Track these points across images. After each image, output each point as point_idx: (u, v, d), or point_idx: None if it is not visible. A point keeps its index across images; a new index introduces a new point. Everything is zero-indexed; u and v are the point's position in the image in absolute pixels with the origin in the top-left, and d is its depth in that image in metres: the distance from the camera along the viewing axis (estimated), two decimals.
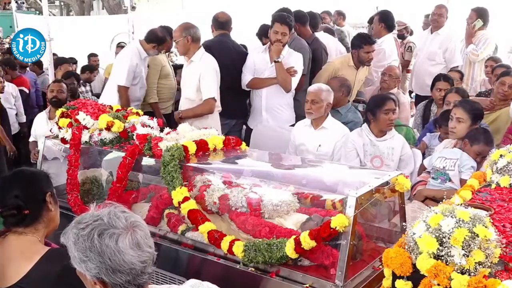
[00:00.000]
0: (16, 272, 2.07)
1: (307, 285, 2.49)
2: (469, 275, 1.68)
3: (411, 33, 8.11)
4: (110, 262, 1.51)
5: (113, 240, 1.52)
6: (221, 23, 5.23)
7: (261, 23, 5.99)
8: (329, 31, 6.65)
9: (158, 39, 5.19)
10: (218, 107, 4.74)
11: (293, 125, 4.81)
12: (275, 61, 4.81)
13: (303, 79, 5.16)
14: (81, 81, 7.23)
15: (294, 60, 4.94)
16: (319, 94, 4.18)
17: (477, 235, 1.70)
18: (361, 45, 5.27)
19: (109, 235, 1.52)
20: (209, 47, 4.77)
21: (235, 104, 5.15)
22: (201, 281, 1.81)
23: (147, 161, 3.39)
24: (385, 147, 4.00)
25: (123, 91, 5.07)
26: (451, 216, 1.76)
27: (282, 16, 4.82)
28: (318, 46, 5.56)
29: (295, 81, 4.91)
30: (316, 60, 5.47)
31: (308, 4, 7.38)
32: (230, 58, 5.01)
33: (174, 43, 5.19)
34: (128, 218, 1.59)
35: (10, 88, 6.37)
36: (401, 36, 7.59)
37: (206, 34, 5.36)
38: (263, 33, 5.76)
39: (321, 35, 6.15)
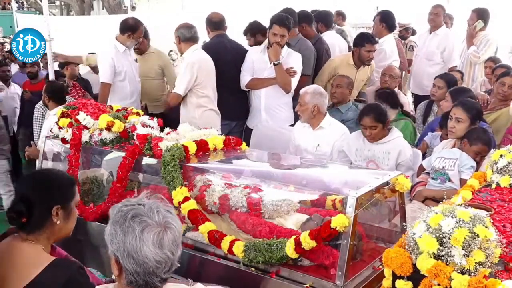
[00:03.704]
0: (19, 280, 2.02)
1: (307, 285, 2.50)
2: (469, 275, 1.68)
3: (413, 33, 8.11)
4: (129, 245, 1.55)
5: (140, 227, 1.57)
6: (216, 23, 5.18)
7: (261, 22, 5.97)
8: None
9: (130, 27, 5.13)
10: (215, 111, 4.73)
11: (292, 125, 4.81)
12: (274, 64, 4.80)
13: (306, 80, 5.16)
14: None
15: (293, 60, 4.94)
16: (303, 97, 4.21)
17: (477, 235, 1.70)
18: (363, 43, 5.30)
19: (140, 221, 1.57)
20: (207, 50, 4.75)
21: (236, 105, 5.13)
22: (206, 284, 1.82)
23: (147, 161, 3.39)
24: (380, 151, 3.99)
25: (102, 87, 5.11)
26: (451, 216, 1.76)
27: (280, 18, 4.80)
28: (320, 46, 5.56)
29: (294, 81, 4.91)
30: (317, 59, 5.46)
31: (308, 4, 7.37)
32: (229, 58, 4.98)
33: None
34: (166, 217, 1.62)
35: (17, 89, 6.47)
36: (402, 37, 7.59)
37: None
38: (251, 31, 5.68)
39: (332, 35, 6.18)
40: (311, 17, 5.76)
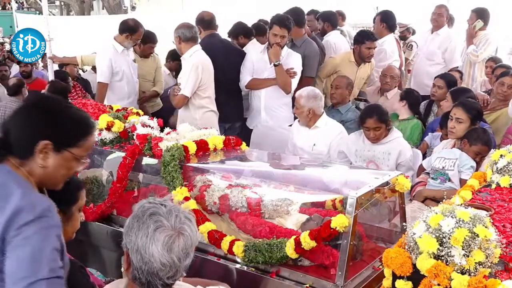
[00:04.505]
0: None
1: (307, 285, 2.49)
2: (469, 275, 1.68)
3: (413, 33, 8.11)
4: (139, 240, 1.58)
5: (154, 226, 1.59)
6: (208, 22, 5.11)
7: (247, 23, 5.97)
8: None
9: (129, 28, 5.13)
10: (215, 111, 4.72)
11: (291, 125, 4.82)
12: (274, 65, 4.78)
13: (309, 82, 5.16)
14: None
15: (293, 61, 4.92)
16: (298, 100, 4.23)
17: (477, 235, 1.70)
18: (363, 40, 5.33)
19: (156, 220, 1.59)
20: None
21: (230, 106, 5.03)
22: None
23: (147, 161, 3.39)
24: (380, 152, 3.99)
25: (99, 86, 5.13)
26: (451, 216, 1.77)
27: (281, 19, 4.78)
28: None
29: (294, 82, 4.89)
30: None
31: (309, 4, 7.37)
32: (221, 58, 4.90)
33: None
34: (183, 223, 1.63)
35: None
36: (404, 38, 7.60)
37: None
38: (237, 33, 5.72)
39: (337, 35, 6.23)
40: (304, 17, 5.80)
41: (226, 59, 4.99)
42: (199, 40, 5.03)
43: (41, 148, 1.71)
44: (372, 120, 3.93)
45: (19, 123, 1.75)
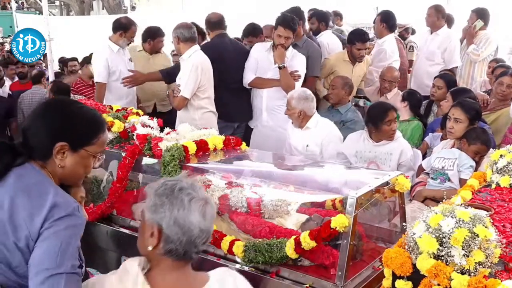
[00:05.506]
0: None
1: (307, 285, 2.49)
2: (469, 275, 1.68)
3: (413, 33, 8.10)
4: (177, 213, 1.65)
5: (188, 198, 1.67)
6: (215, 23, 5.14)
7: (263, 22, 5.97)
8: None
9: (122, 26, 5.15)
10: (214, 112, 4.72)
11: None
12: (279, 67, 4.78)
13: (315, 81, 5.13)
14: None
15: (298, 63, 4.91)
16: (290, 102, 4.23)
17: (477, 235, 1.70)
18: (354, 41, 5.39)
19: (187, 193, 1.68)
20: (208, 50, 4.71)
21: (238, 106, 5.06)
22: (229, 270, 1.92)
23: (147, 161, 3.39)
24: (382, 152, 3.99)
25: (98, 86, 5.16)
26: (451, 216, 1.77)
27: (286, 20, 4.76)
28: None
29: (298, 85, 4.87)
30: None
31: (309, 4, 7.38)
32: (232, 57, 4.93)
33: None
34: (205, 194, 1.74)
35: None
36: (402, 37, 7.60)
37: None
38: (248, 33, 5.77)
39: (330, 34, 6.24)
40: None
41: (236, 59, 5.01)
42: (206, 41, 5.08)
43: (58, 149, 1.81)
44: (394, 112, 3.99)
45: (36, 128, 1.84)
